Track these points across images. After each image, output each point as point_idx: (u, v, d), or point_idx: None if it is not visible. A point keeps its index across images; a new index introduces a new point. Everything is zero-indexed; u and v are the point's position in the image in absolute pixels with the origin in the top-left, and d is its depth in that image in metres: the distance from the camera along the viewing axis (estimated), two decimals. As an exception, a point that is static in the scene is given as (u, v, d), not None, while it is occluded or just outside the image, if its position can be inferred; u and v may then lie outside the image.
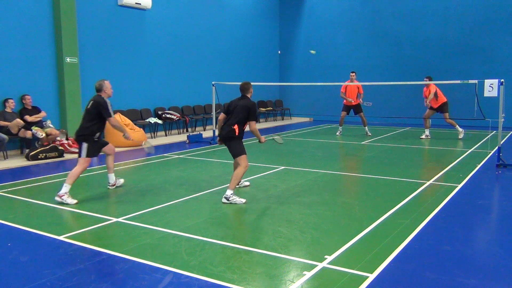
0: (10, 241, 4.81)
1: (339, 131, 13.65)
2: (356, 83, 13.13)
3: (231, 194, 6.22)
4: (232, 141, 6.40)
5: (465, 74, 14.66)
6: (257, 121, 6.55)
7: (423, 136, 12.65)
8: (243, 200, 6.24)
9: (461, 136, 12.32)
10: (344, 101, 13.32)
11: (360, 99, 13.26)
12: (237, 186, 6.80)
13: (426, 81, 11.92)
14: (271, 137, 7.25)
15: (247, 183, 7.17)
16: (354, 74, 13.22)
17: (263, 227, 5.15)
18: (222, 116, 6.69)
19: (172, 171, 8.56)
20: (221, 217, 5.69)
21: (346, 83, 13.28)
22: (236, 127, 6.32)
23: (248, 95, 6.57)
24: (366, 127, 13.47)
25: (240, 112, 6.36)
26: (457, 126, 12.37)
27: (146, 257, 4.23)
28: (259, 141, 6.68)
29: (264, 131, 14.97)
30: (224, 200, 6.23)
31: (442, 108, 12.29)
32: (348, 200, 6.57)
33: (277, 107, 19.14)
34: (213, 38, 16.11)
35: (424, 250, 4.45)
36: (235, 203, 6.17)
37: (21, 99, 10.28)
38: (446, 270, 3.96)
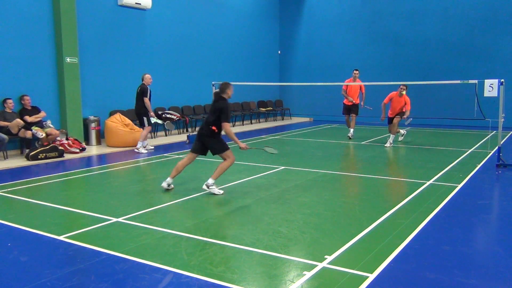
0: (10, 241, 4.81)
1: (350, 133, 13.09)
2: (359, 82, 12.95)
3: (213, 183, 6.53)
4: (210, 139, 6.58)
5: (465, 74, 14.65)
6: (228, 121, 6.50)
7: (401, 138, 12.00)
8: (221, 192, 6.56)
9: (400, 137, 11.85)
10: (345, 100, 13.06)
11: (362, 102, 13.00)
12: (166, 188, 6.81)
13: (403, 88, 11.13)
14: (263, 149, 7.37)
15: (221, 191, 6.71)
16: (357, 72, 12.81)
17: (263, 227, 5.14)
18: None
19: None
20: (221, 217, 5.69)
21: (348, 81, 12.98)
22: (214, 128, 6.51)
23: (225, 96, 6.61)
24: (352, 129, 13.04)
25: (214, 112, 6.53)
26: (393, 136, 11.47)
27: (146, 257, 4.23)
28: (239, 146, 6.60)
29: (265, 131, 14.98)
30: (204, 187, 6.56)
31: (400, 113, 11.47)
32: (348, 200, 6.57)
33: (277, 107, 19.14)
34: (213, 38, 16.11)
35: (424, 250, 4.45)
36: (213, 193, 6.50)
37: (20, 99, 10.28)
38: (446, 270, 3.96)
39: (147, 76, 10.74)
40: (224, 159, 6.61)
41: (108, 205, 6.17)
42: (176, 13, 14.51)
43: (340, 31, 18.41)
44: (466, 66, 15.81)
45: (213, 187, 6.54)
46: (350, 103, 12.92)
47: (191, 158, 6.87)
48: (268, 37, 19.38)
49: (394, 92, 11.38)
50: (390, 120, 11.55)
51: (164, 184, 6.80)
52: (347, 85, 12.89)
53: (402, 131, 12.07)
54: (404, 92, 11.15)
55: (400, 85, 11.25)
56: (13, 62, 10.30)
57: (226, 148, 6.59)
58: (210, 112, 6.65)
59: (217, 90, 6.82)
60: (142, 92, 10.62)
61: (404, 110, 11.27)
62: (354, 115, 13.03)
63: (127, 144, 11.36)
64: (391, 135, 11.46)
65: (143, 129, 10.88)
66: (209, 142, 6.62)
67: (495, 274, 3.92)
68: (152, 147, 11.13)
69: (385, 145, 11.24)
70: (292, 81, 19.17)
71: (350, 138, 12.89)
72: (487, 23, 15.61)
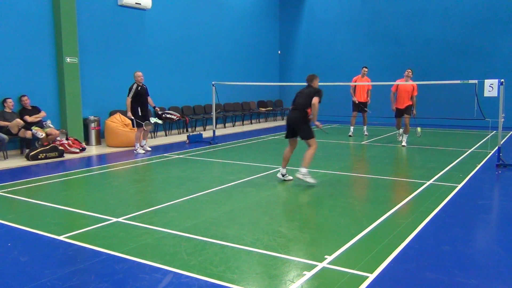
0: (10, 241, 4.81)
1: (351, 132, 13.23)
2: (367, 79, 12.89)
3: (306, 171, 7.04)
4: (303, 125, 7.17)
5: (465, 74, 14.65)
6: (320, 99, 7.14)
7: (404, 144, 11.25)
8: (314, 181, 7.06)
9: (403, 142, 11.22)
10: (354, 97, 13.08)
11: (369, 98, 13.11)
12: (282, 179, 7.39)
13: (409, 72, 11.02)
14: (322, 130, 8.30)
15: (291, 178, 7.50)
16: (366, 69, 12.86)
17: (263, 227, 5.15)
18: (293, 107, 7.44)
19: (172, 171, 8.56)
20: (221, 217, 5.69)
21: (356, 78, 12.96)
22: (309, 110, 7.16)
23: (313, 85, 7.34)
24: (365, 127, 13.47)
25: (307, 97, 7.13)
26: (406, 135, 11.27)
27: (146, 257, 4.23)
28: (313, 122, 7.30)
29: (265, 131, 14.98)
30: (299, 175, 7.05)
31: (408, 109, 11.19)
32: (348, 200, 6.57)
33: (277, 107, 19.14)
34: (213, 38, 16.11)
35: (424, 250, 4.45)
36: (308, 182, 7.00)
37: (19, 99, 10.28)
38: (446, 270, 3.96)
39: (137, 74, 10.53)
40: (309, 146, 7.16)
41: (108, 205, 6.17)
42: (176, 13, 14.51)
43: (340, 31, 18.41)
44: (466, 66, 15.80)
45: (308, 176, 7.04)
46: (361, 100, 12.97)
47: (293, 144, 7.42)
48: (268, 37, 19.38)
49: (401, 79, 11.25)
50: (399, 113, 11.27)
51: (279, 175, 7.40)
52: (355, 84, 12.90)
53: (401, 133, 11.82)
54: (411, 76, 10.99)
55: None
56: (13, 62, 10.30)
57: (313, 135, 7.21)
58: (304, 96, 7.18)
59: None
60: (128, 91, 10.51)
61: (412, 95, 11.04)
62: (364, 113, 13.17)
63: (127, 144, 11.36)
64: (404, 134, 11.29)
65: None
66: (300, 128, 7.19)
67: (495, 274, 3.92)
68: (149, 149, 10.89)
69: (403, 145, 11.12)
70: (292, 81, 19.14)
71: (366, 134, 13.18)
72: (487, 23, 15.60)
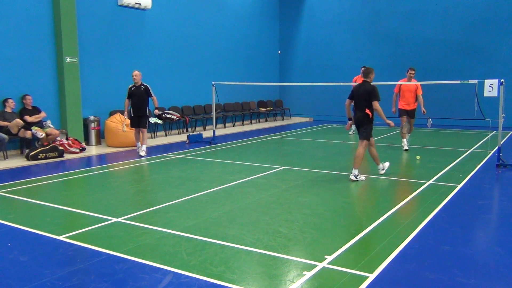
0: (10, 241, 4.81)
1: (352, 131, 13.11)
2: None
3: (357, 173, 7.38)
4: (366, 125, 7.39)
5: (465, 74, 14.65)
6: (378, 100, 7.25)
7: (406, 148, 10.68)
8: (364, 178, 7.43)
9: (405, 147, 10.65)
10: None
11: None
12: (355, 179, 7.43)
13: (411, 73, 10.62)
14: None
15: (363, 178, 7.57)
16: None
17: (263, 227, 5.15)
18: (348, 101, 7.71)
19: (172, 171, 8.56)
20: (221, 217, 5.69)
21: (356, 78, 12.80)
22: (368, 111, 7.29)
23: (369, 80, 7.42)
24: None
25: (363, 97, 7.28)
26: (405, 139, 10.75)
27: (146, 257, 4.23)
28: (385, 122, 7.54)
29: (265, 131, 14.98)
30: (352, 177, 7.38)
31: (413, 112, 10.86)
32: (348, 200, 6.57)
33: (277, 107, 19.14)
34: (213, 38, 16.11)
35: (424, 250, 4.45)
36: (361, 180, 7.36)
37: (22, 99, 10.29)
38: (446, 270, 3.96)
39: (132, 73, 10.30)
40: (360, 146, 7.42)
41: (108, 205, 6.17)
42: (176, 13, 14.51)
43: (340, 31, 18.41)
44: (466, 66, 15.80)
45: (360, 176, 7.39)
46: None
47: (371, 142, 7.59)
48: (268, 37, 19.38)
49: (403, 79, 10.90)
50: (404, 113, 10.78)
51: (352, 177, 7.43)
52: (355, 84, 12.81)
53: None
54: (413, 76, 10.61)
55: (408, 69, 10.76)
56: (13, 62, 10.29)
57: (369, 137, 7.42)
58: (359, 98, 7.36)
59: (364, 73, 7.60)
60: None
61: (417, 94, 10.63)
62: None
63: (127, 144, 11.36)
64: (407, 134, 10.88)
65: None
66: (363, 126, 7.42)
67: (495, 274, 3.92)
68: (144, 154, 10.16)
69: (405, 148, 10.58)
70: (292, 81, 19.17)
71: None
72: (487, 23, 15.60)
